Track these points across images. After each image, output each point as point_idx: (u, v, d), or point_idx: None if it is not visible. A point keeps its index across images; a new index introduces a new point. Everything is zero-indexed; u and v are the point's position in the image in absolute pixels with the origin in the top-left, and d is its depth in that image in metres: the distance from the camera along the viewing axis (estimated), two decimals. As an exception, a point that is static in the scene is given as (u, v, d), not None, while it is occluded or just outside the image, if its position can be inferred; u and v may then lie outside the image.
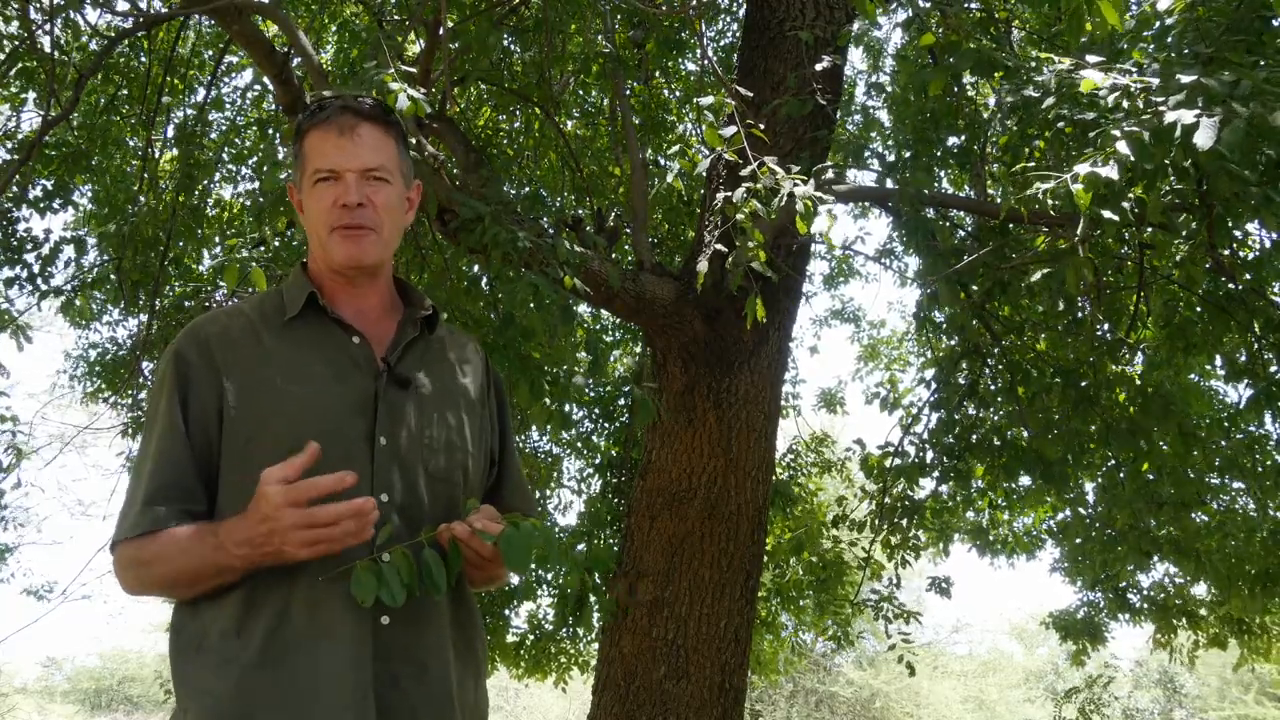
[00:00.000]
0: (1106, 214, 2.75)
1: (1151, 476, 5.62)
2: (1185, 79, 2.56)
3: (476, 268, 5.59)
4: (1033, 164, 3.59)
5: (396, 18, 5.73)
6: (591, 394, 7.28)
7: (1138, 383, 5.35)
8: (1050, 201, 2.82)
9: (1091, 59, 2.94)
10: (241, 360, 1.59)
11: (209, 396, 1.58)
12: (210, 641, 1.50)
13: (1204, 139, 2.34)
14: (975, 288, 4.28)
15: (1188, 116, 2.41)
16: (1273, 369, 4.80)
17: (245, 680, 1.46)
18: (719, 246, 4.19)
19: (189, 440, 1.57)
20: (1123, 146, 2.52)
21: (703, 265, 3.89)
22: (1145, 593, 8.54)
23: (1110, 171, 2.53)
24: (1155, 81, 2.68)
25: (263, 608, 1.49)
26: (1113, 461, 5.71)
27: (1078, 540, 7.08)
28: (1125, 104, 2.67)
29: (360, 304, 1.69)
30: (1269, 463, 6.18)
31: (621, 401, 7.40)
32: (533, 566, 1.52)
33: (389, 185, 1.66)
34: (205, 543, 1.49)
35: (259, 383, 1.58)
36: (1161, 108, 2.54)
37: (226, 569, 1.48)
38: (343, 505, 1.42)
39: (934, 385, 5.79)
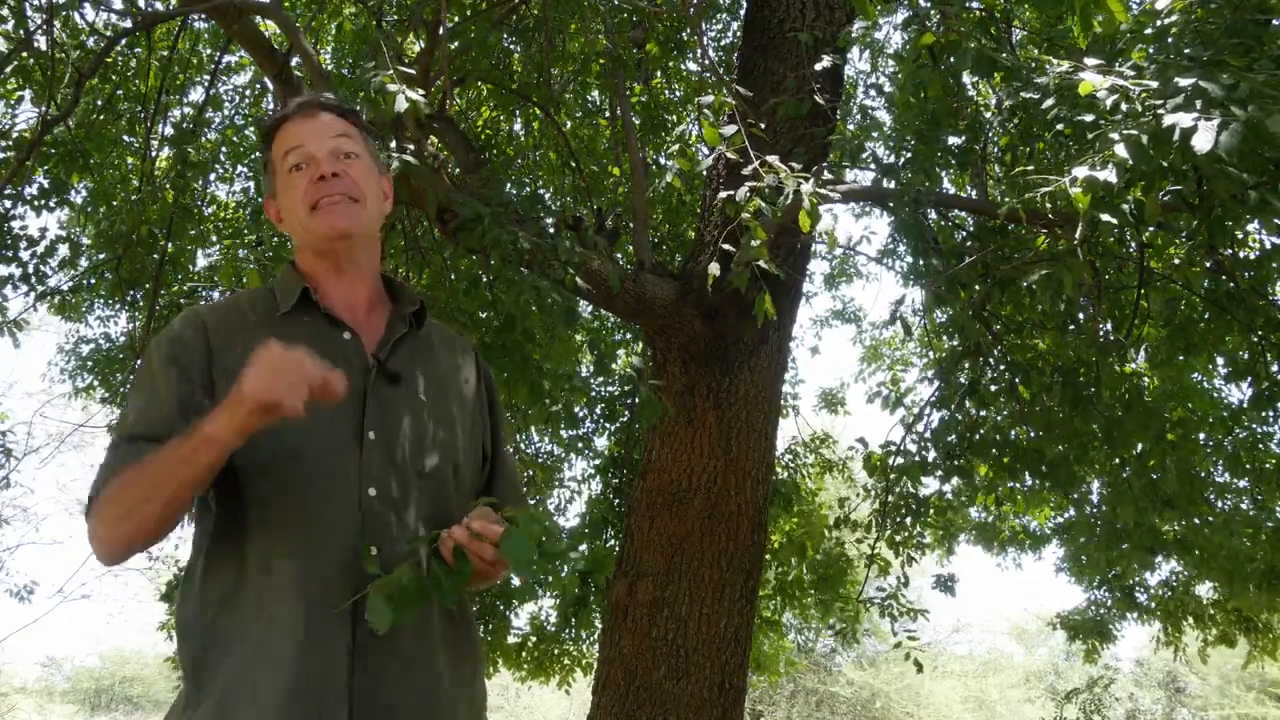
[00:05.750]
0: (1105, 217, 2.74)
1: (1156, 475, 5.62)
2: (1184, 82, 2.55)
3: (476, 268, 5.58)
4: (1032, 166, 3.58)
5: (395, 18, 5.73)
6: (594, 394, 7.26)
7: (1138, 381, 5.34)
8: (1048, 205, 2.81)
9: (1090, 61, 2.93)
10: (235, 349, 1.59)
11: (201, 375, 1.58)
12: (195, 627, 1.52)
13: (1202, 143, 2.33)
14: (976, 287, 4.27)
15: (1186, 120, 2.40)
16: (1273, 368, 4.79)
17: (221, 667, 1.47)
18: (725, 245, 4.17)
19: (177, 405, 1.56)
20: (1121, 150, 2.51)
21: (714, 268, 3.86)
22: (1153, 590, 8.54)
23: (1108, 175, 2.52)
24: (1154, 84, 2.67)
25: (242, 599, 1.50)
26: (1116, 460, 5.71)
27: (1082, 539, 7.07)
28: (1124, 106, 2.67)
29: (350, 297, 1.70)
30: (1270, 462, 6.18)
31: (624, 401, 7.38)
32: (534, 568, 1.47)
33: (360, 160, 1.70)
34: (185, 437, 1.45)
35: None
36: (1160, 111, 2.53)
37: (208, 438, 1.42)
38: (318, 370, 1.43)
39: (935, 384, 5.79)
